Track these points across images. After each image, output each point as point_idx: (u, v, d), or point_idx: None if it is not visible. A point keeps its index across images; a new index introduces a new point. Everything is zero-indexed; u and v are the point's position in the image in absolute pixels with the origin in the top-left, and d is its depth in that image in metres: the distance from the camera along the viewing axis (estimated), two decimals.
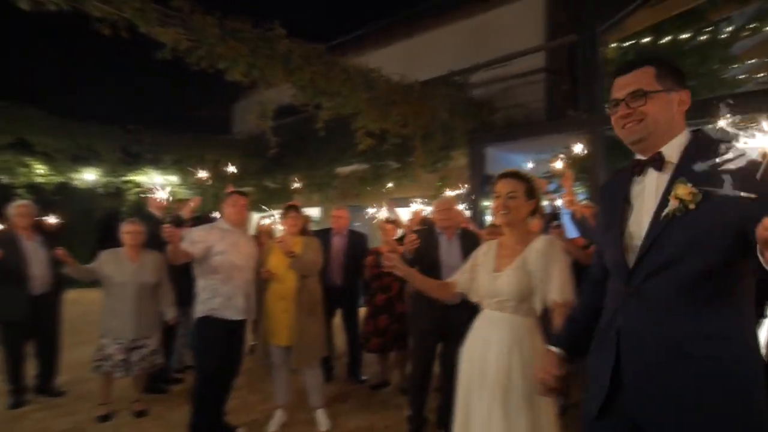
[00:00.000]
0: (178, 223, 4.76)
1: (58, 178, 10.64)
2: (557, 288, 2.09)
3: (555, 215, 3.79)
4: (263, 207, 6.08)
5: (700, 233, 1.31)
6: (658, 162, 1.46)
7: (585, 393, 1.61)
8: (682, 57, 6.37)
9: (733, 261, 1.32)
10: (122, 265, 3.97)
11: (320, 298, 3.97)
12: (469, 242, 3.75)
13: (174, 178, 11.51)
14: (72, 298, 5.48)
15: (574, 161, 6.66)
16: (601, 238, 1.66)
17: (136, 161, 10.93)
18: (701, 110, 5.54)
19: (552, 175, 7.18)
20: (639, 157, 1.52)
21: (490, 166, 7.56)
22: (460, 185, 6.64)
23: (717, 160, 1.33)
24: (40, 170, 10.39)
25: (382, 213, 5.05)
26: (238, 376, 3.80)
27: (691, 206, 1.33)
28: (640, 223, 1.46)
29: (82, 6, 3.69)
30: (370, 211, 5.23)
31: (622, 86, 1.50)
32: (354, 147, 8.66)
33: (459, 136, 7.15)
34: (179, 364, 5.25)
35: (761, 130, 1.30)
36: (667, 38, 6.33)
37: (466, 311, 3.63)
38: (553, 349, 1.75)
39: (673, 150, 1.45)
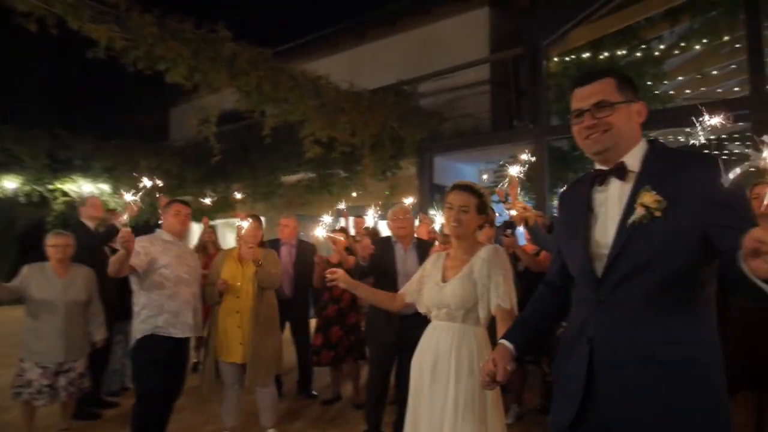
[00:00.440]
0: (112, 234, 4.43)
1: None
2: (502, 294, 2.11)
3: (509, 223, 3.81)
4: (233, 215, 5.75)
5: (666, 240, 1.34)
6: (621, 171, 1.47)
7: (554, 402, 1.61)
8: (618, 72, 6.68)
9: (697, 266, 1.37)
10: (49, 281, 3.62)
11: (277, 313, 3.81)
12: (426, 252, 3.71)
13: (105, 187, 10.83)
14: None
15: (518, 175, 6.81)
16: (564, 247, 1.66)
17: (63, 168, 10.19)
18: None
19: (505, 183, 7.32)
20: (599, 167, 1.54)
21: (439, 175, 7.61)
22: (411, 197, 6.63)
23: (678, 168, 1.38)
24: None
25: (332, 223, 4.92)
26: (180, 397, 3.55)
27: (657, 213, 1.35)
28: (605, 231, 1.47)
29: None
30: (327, 220, 5.13)
31: (584, 97, 1.50)
32: (300, 155, 8.50)
33: (408, 146, 7.14)
34: (119, 385, 4.88)
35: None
36: (605, 54, 6.63)
37: (423, 323, 3.59)
38: (505, 342, 1.72)
39: (634, 159, 1.47)
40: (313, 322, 5.28)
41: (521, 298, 2.17)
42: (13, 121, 9.90)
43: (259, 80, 4.96)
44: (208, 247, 6.20)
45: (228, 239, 9.26)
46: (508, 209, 3.93)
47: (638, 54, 6.71)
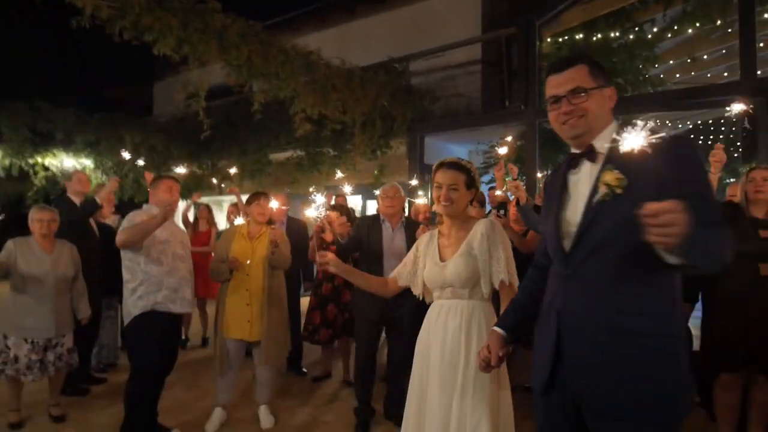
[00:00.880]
0: (94, 208, 4.33)
1: None
2: (504, 268, 2.12)
3: (502, 204, 3.82)
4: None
5: (627, 216, 1.36)
6: (591, 154, 1.55)
7: (532, 371, 1.70)
8: (611, 54, 6.69)
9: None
10: (37, 256, 3.55)
11: (285, 291, 3.83)
12: (414, 231, 3.71)
13: (88, 162, 10.58)
14: None
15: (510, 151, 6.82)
16: (543, 226, 1.76)
17: (44, 142, 9.91)
18: (628, 106, 5.85)
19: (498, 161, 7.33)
20: (574, 150, 1.62)
21: (429, 155, 7.57)
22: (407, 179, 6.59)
23: (640, 147, 1.41)
24: None
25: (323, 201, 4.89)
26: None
27: (618, 191, 1.42)
28: (575, 210, 1.55)
29: None
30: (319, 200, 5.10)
31: (559, 83, 1.56)
32: (289, 132, 8.38)
33: (398, 125, 7.07)
34: (109, 360, 4.85)
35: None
36: (599, 36, 6.60)
37: (408, 301, 3.60)
38: (498, 329, 1.83)
39: (603, 141, 1.53)
40: (302, 300, 5.29)
41: None
42: None
43: (250, 54, 4.84)
44: (200, 225, 6.14)
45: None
46: (496, 190, 3.95)
47: (631, 36, 6.70)
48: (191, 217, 6.32)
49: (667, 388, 1.41)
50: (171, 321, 3.32)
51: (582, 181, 1.56)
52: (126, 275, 3.27)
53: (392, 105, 6.75)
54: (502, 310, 2.01)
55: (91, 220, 4.51)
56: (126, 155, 4.27)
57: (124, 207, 7.12)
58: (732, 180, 6.51)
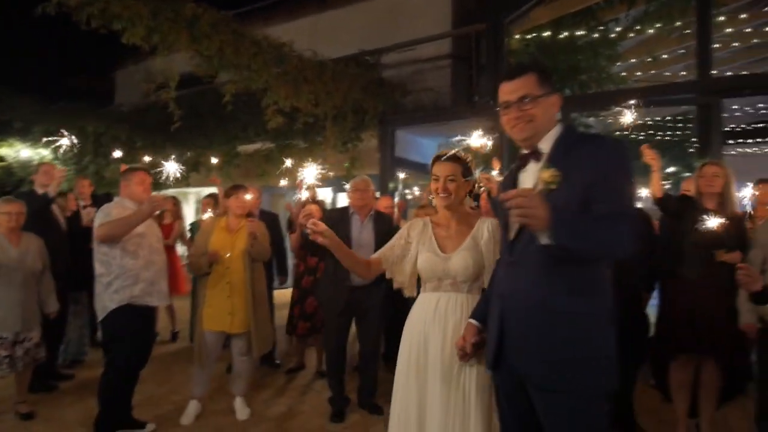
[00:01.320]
0: (45, 201, 4.21)
1: None
2: None
3: (476, 196, 3.92)
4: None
5: (558, 207, 1.52)
6: (536, 154, 1.71)
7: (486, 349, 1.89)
8: (576, 52, 6.90)
9: None
10: (3, 249, 3.45)
11: (266, 284, 3.86)
12: (382, 224, 3.78)
13: (45, 152, 10.20)
14: None
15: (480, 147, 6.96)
16: (499, 222, 1.94)
17: (1, 131, 9.53)
18: (592, 102, 6.07)
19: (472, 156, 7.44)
20: (524, 151, 1.77)
21: (400, 148, 7.64)
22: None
23: (576, 147, 1.62)
24: None
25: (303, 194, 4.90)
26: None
27: (553, 186, 1.58)
28: None
29: None
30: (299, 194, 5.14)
31: (510, 90, 1.71)
32: (258, 124, 8.30)
33: (369, 118, 7.10)
34: (76, 356, 4.76)
35: None
36: (565, 34, 6.80)
37: (377, 291, 3.68)
38: (472, 321, 1.98)
39: (547, 143, 1.70)
40: (276, 293, 5.30)
41: None
42: None
43: (221, 45, 4.79)
44: (164, 217, 6.03)
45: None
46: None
47: (596, 35, 6.92)
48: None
49: (587, 362, 1.58)
50: (147, 314, 3.31)
51: (528, 179, 1.72)
52: (100, 269, 3.22)
53: (364, 98, 6.78)
54: None
55: (58, 213, 4.40)
56: (67, 141, 4.03)
57: (100, 200, 6.92)
58: (688, 174, 6.84)
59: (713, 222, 2.91)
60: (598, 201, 1.51)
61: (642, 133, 10.02)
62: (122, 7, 3.97)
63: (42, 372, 4.02)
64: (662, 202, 3.38)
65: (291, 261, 5.33)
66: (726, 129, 7.27)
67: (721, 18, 6.37)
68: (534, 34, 6.93)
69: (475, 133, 3.55)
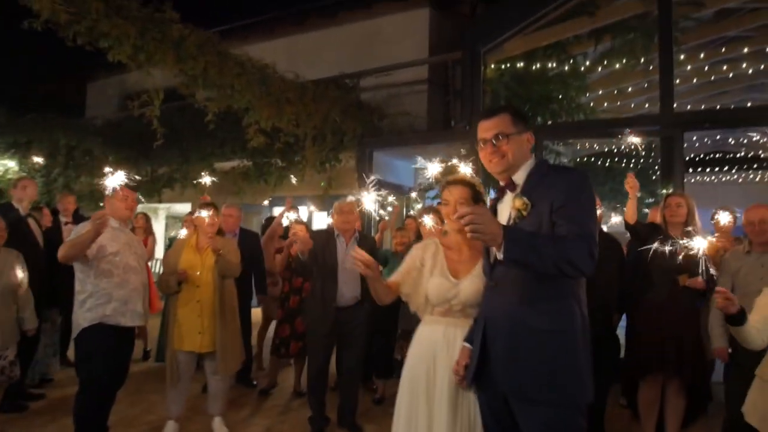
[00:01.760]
0: (19, 218, 4.16)
1: None
2: None
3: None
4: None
5: (516, 227, 1.73)
6: (511, 186, 1.89)
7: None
8: (547, 83, 7.23)
9: None
10: None
11: (237, 301, 3.83)
12: (366, 246, 3.87)
13: (12, 164, 9.93)
14: None
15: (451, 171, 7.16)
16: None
17: None
18: (563, 131, 6.34)
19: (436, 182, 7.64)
20: (501, 184, 1.94)
21: (376, 169, 7.77)
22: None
23: (545, 178, 1.81)
24: None
25: (291, 214, 4.97)
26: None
27: (524, 213, 1.77)
28: None
29: None
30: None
31: (487, 128, 1.89)
32: (236, 141, 8.32)
33: (348, 139, 7.23)
34: (43, 376, 4.63)
35: None
36: (537, 65, 7.12)
37: (361, 311, 3.76)
38: (466, 345, 2.07)
39: (521, 175, 1.88)
40: (254, 312, 5.28)
41: None
42: None
43: (206, 65, 4.86)
44: (137, 234, 5.97)
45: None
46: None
47: (566, 67, 7.27)
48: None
49: (567, 374, 1.73)
50: (121, 334, 3.25)
51: (504, 209, 1.90)
52: (77, 286, 3.20)
53: (343, 119, 6.91)
54: None
55: (34, 228, 4.34)
56: (39, 159, 4.09)
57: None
58: (651, 200, 7.19)
59: (677, 248, 3.11)
60: (560, 223, 1.69)
61: (607, 161, 10.47)
62: (110, 26, 4.01)
63: (11, 391, 3.91)
64: (634, 227, 3.60)
65: None
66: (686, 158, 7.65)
67: (682, 56, 6.80)
68: (508, 65, 7.22)
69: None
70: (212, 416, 3.78)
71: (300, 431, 3.86)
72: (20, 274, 3.59)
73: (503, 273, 1.81)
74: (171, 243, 6.10)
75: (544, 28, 6.61)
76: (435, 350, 2.19)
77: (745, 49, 7.32)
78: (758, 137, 8.81)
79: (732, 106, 8.80)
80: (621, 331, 3.77)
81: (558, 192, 1.72)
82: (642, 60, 6.92)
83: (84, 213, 7.08)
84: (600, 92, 8.19)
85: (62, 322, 4.80)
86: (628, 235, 3.84)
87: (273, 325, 5.00)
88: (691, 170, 9.50)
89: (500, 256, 1.59)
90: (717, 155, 10.10)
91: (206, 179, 4.76)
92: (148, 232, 5.99)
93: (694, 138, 9.14)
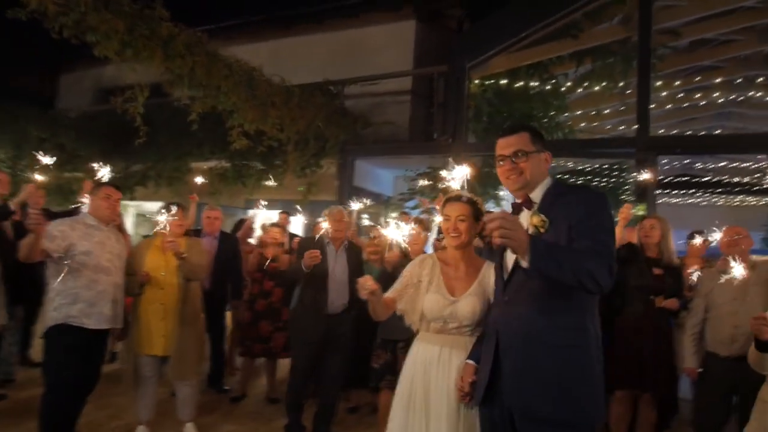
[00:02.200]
0: (4, 213, 4.04)
1: None
2: None
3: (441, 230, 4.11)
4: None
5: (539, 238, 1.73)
6: (528, 203, 1.89)
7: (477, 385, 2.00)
8: (529, 101, 7.40)
9: None
10: None
11: (201, 305, 3.74)
12: (354, 255, 3.88)
13: None
14: None
15: (437, 182, 7.24)
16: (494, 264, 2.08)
17: None
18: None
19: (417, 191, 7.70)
20: (516, 200, 1.94)
21: (357, 177, 7.79)
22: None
23: (561, 196, 1.85)
24: None
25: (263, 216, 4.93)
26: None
27: (542, 230, 1.77)
28: None
29: None
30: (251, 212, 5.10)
31: (506, 146, 1.92)
32: (214, 142, 8.20)
33: (330, 146, 7.23)
34: (5, 376, 4.45)
35: None
36: (521, 83, 7.28)
37: (348, 319, 3.76)
38: (470, 362, 2.07)
39: (538, 193, 1.90)
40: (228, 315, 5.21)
41: None
42: None
43: (194, 65, 4.80)
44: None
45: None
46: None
47: (547, 87, 7.46)
48: None
49: (576, 393, 1.73)
50: (88, 336, 3.13)
51: None
52: (50, 284, 3.13)
53: (327, 126, 6.91)
54: None
55: (7, 224, 4.19)
56: (48, 160, 4.04)
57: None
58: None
59: (653, 270, 3.23)
60: (579, 239, 1.70)
61: (580, 179, 10.74)
62: (99, 20, 3.93)
63: None
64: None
65: None
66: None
67: (659, 82, 7.06)
68: (492, 81, 7.36)
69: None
70: (183, 422, 3.71)
71: None
72: None
73: (518, 287, 1.81)
74: None
75: (529, 48, 6.78)
76: (430, 369, 2.19)
77: (718, 79, 7.65)
78: (724, 163, 9.18)
79: (702, 132, 9.17)
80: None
81: (576, 210, 1.75)
82: (621, 84, 7.16)
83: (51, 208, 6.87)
84: (578, 112, 8.43)
85: (24, 319, 4.65)
86: None
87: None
88: (659, 191, 9.83)
89: (525, 264, 1.58)
90: (684, 178, 10.49)
91: (198, 178, 4.64)
92: (122, 230, 5.84)
93: (664, 161, 9.47)
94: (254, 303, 4.62)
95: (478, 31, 6.99)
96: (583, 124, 8.80)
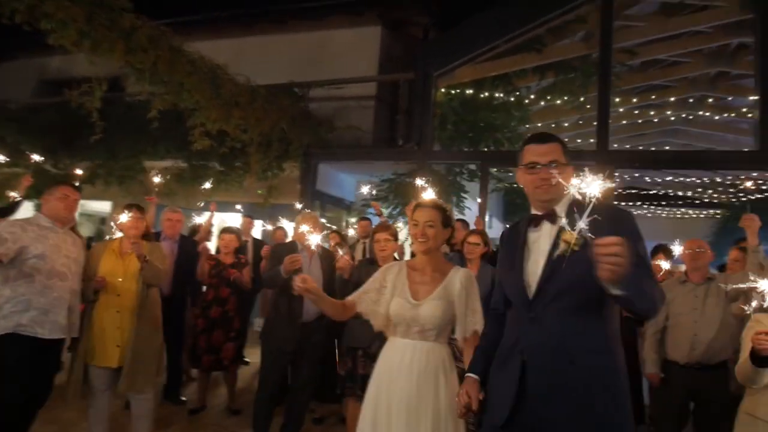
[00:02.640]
0: None
1: None
2: (480, 320, 2.23)
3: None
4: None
5: (583, 268, 1.65)
6: (552, 217, 1.82)
7: (487, 407, 1.88)
8: (493, 111, 7.53)
9: (604, 291, 1.75)
10: None
11: (160, 312, 3.55)
12: (327, 261, 3.79)
13: None
14: None
15: (398, 188, 7.24)
16: (504, 277, 1.97)
17: None
18: (507, 159, 6.57)
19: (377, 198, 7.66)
20: (535, 212, 1.88)
21: (320, 181, 7.68)
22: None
23: (591, 213, 1.73)
24: None
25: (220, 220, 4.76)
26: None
27: (575, 248, 1.68)
28: (537, 263, 1.80)
29: None
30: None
31: (542, 153, 1.83)
32: (171, 141, 7.89)
33: (293, 149, 7.09)
34: None
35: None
36: (486, 93, 7.40)
37: (321, 326, 3.66)
38: (472, 375, 1.95)
39: (563, 207, 1.83)
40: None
41: None
42: None
43: (156, 60, 4.58)
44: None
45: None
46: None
47: (511, 98, 7.62)
48: None
49: (614, 418, 1.68)
50: (38, 346, 2.92)
51: (542, 239, 1.82)
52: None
53: (291, 128, 6.77)
54: (470, 356, 2.14)
55: None
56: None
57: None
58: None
59: None
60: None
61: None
62: (55, 7, 3.67)
63: None
64: None
65: None
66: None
67: (617, 99, 7.35)
68: (458, 90, 7.45)
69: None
70: None
71: None
72: None
73: (546, 306, 1.73)
74: (88, 244, 5.64)
75: (494, 60, 6.90)
76: (392, 371, 2.19)
77: (672, 98, 8.05)
78: (670, 178, 9.65)
79: (652, 148, 9.63)
80: None
81: (614, 230, 1.65)
82: (582, 99, 7.40)
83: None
84: (539, 124, 8.66)
85: None
86: None
87: None
88: (615, 203, 10.26)
89: (616, 292, 1.49)
90: (633, 191, 10.97)
91: (156, 178, 4.41)
92: (76, 232, 5.50)
93: (616, 174, 9.87)
94: (209, 310, 4.41)
95: (445, 40, 7.07)
96: None
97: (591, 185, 1.57)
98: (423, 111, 6.77)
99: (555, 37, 6.92)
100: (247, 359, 5.74)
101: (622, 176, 10.36)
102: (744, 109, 8.09)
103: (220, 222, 6.33)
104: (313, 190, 7.38)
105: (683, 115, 8.29)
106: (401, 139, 7.23)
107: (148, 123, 5.56)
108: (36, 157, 4.06)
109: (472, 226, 5.02)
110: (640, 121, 9.01)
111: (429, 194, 3.81)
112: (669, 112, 8.29)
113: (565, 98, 7.49)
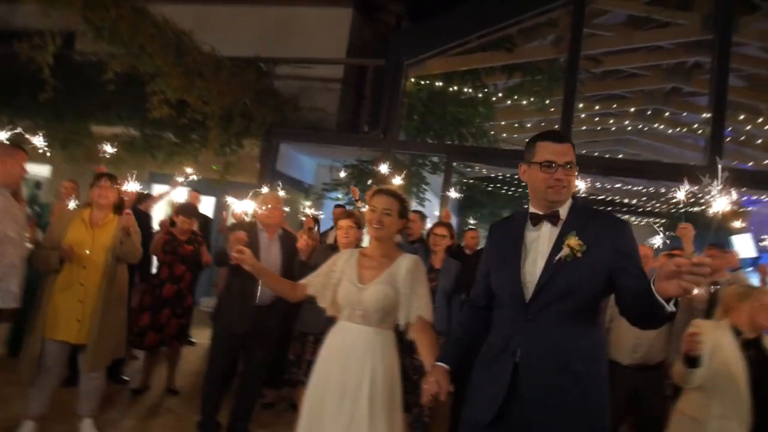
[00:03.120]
0: None
1: None
2: (424, 306, 2.23)
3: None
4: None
5: (584, 275, 1.71)
6: (554, 218, 1.81)
7: (470, 405, 1.88)
8: (461, 105, 7.57)
9: (601, 297, 1.80)
10: None
11: (127, 289, 3.41)
12: (288, 244, 3.69)
13: None
14: None
15: (359, 174, 7.17)
16: (495, 274, 1.94)
17: None
18: (471, 155, 6.62)
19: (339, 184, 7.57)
20: (535, 210, 1.85)
21: (280, 162, 7.48)
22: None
23: (592, 220, 1.78)
24: None
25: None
26: None
27: (578, 254, 1.70)
28: (535, 264, 1.79)
29: None
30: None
31: (559, 153, 1.77)
32: (123, 105, 7.44)
33: (256, 126, 6.86)
34: None
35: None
36: (455, 87, 7.42)
37: (277, 311, 3.57)
38: (442, 364, 1.93)
39: (564, 211, 1.82)
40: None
41: None
42: None
43: (118, 18, 4.28)
44: None
45: None
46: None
47: (479, 95, 7.67)
48: None
49: (600, 421, 1.73)
50: None
51: (542, 240, 1.81)
52: None
53: (254, 104, 6.54)
54: (419, 345, 2.14)
55: None
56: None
57: None
58: None
59: None
60: (632, 273, 1.67)
61: (490, 186, 11.27)
62: None
63: None
64: None
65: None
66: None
67: (581, 105, 7.55)
68: (428, 81, 7.43)
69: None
70: (81, 417, 3.31)
71: None
72: None
73: (542, 310, 1.73)
74: (43, 209, 5.28)
75: (465, 54, 6.91)
76: (330, 353, 2.24)
77: (632, 108, 8.36)
78: (619, 185, 10.07)
79: (607, 155, 10.00)
80: None
81: (616, 242, 1.73)
82: (547, 101, 7.55)
83: None
84: (503, 123, 8.79)
85: None
86: None
87: None
88: None
89: (671, 308, 1.46)
90: (584, 196, 11.38)
91: (107, 147, 4.16)
92: (18, 197, 5.10)
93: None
94: (161, 288, 4.22)
95: (419, 29, 7.00)
96: (504, 135, 9.20)
97: (718, 201, 1.50)
98: (392, 99, 6.70)
99: (526, 38, 7.01)
100: (193, 339, 5.56)
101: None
102: (695, 125, 8.52)
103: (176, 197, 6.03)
104: (273, 170, 7.17)
105: (639, 126, 8.63)
106: (366, 126, 7.14)
107: (101, 85, 5.22)
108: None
109: (430, 218, 5.02)
110: (598, 128, 9.32)
111: (397, 181, 3.78)
112: (627, 122, 8.61)
113: (531, 99, 7.63)
